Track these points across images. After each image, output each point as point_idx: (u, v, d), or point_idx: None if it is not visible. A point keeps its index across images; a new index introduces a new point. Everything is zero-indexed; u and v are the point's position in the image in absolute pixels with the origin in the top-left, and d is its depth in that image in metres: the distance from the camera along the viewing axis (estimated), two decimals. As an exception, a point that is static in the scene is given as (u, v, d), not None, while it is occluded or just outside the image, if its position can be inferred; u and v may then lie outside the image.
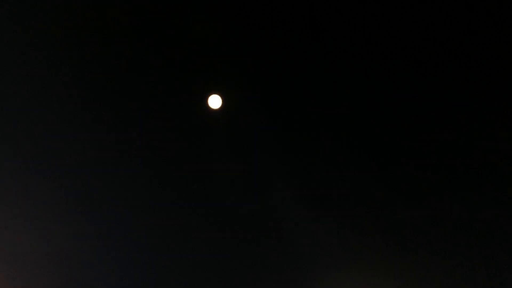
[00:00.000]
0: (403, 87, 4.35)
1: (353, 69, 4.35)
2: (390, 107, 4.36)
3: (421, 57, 4.31)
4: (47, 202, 4.32)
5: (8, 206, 4.28)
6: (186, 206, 4.40)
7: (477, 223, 4.31)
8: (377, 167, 4.39)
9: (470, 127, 4.26)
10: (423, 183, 4.37)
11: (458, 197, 4.34)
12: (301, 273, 4.32)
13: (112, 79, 4.31)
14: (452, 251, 4.35)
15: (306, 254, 4.32)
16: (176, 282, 4.33)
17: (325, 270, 4.31)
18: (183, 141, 4.37)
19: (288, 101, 4.37)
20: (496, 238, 4.29)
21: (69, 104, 4.31)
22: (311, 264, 4.31)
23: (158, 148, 4.38)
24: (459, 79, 4.25)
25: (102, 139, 4.35)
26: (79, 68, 4.29)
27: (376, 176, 4.38)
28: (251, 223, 4.39)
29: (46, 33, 4.23)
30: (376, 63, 4.33)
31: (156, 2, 4.21)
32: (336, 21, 4.27)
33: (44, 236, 4.32)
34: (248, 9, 4.22)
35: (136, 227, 4.36)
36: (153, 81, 4.33)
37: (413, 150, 4.35)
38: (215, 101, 4.32)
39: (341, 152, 4.38)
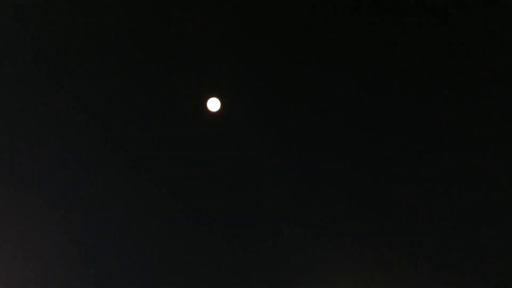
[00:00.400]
0: (400, 89, 4.43)
1: (352, 72, 4.42)
2: (390, 109, 4.43)
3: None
4: (47, 203, 4.35)
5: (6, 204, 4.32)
6: (185, 209, 4.43)
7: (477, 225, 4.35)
8: (377, 170, 4.43)
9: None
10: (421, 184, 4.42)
11: (457, 201, 4.39)
12: (298, 276, 4.33)
13: (111, 82, 4.38)
14: (450, 259, 4.35)
15: (304, 257, 4.33)
16: (173, 283, 4.34)
17: (322, 273, 4.32)
18: (182, 143, 4.42)
19: (287, 104, 4.44)
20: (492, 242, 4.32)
21: (66, 106, 4.37)
22: (309, 267, 4.32)
23: (157, 151, 4.42)
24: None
25: (101, 141, 4.40)
26: (77, 71, 4.36)
27: (376, 180, 4.42)
28: (249, 225, 4.41)
29: (44, 34, 4.31)
30: (376, 66, 4.41)
31: (155, 5, 4.30)
32: (336, 24, 4.36)
33: (43, 238, 4.34)
34: (247, 13, 4.31)
35: (134, 230, 4.38)
36: (152, 84, 4.39)
37: (413, 150, 4.41)
38: (214, 104, 4.39)
39: (340, 155, 4.43)
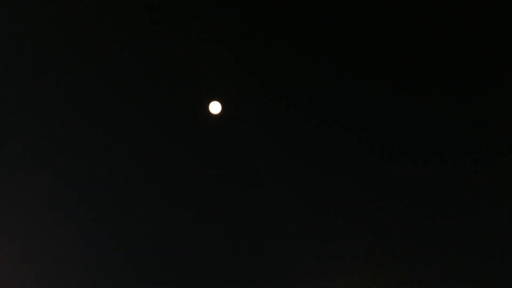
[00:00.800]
0: (402, 91, 4.47)
1: (355, 74, 4.46)
2: (387, 110, 4.46)
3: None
4: (50, 203, 4.38)
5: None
6: (186, 211, 4.46)
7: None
8: (377, 170, 4.46)
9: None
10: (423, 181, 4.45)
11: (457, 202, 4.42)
12: (298, 274, 4.36)
13: (113, 85, 4.41)
14: (450, 257, 4.37)
15: (305, 256, 4.36)
16: (173, 282, 4.37)
17: (322, 272, 4.35)
18: (184, 145, 4.45)
19: (287, 107, 4.47)
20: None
21: (68, 109, 4.41)
22: (310, 265, 4.35)
23: (159, 153, 4.46)
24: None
25: (103, 144, 4.43)
26: (79, 74, 4.40)
27: (376, 179, 4.45)
28: (250, 227, 4.44)
29: (44, 35, 4.35)
30: (374, 70, 4.44)
31: (157, 9, 4.34)
32: (335, 29, 4.40)
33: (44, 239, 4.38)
34: (249, 17, 4.35)
35: (136, 231, 4.41)
36: (154, 88, 4.43)
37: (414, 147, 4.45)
38: (215, 107, 4.42)
39: (339, 156, 4.46)
